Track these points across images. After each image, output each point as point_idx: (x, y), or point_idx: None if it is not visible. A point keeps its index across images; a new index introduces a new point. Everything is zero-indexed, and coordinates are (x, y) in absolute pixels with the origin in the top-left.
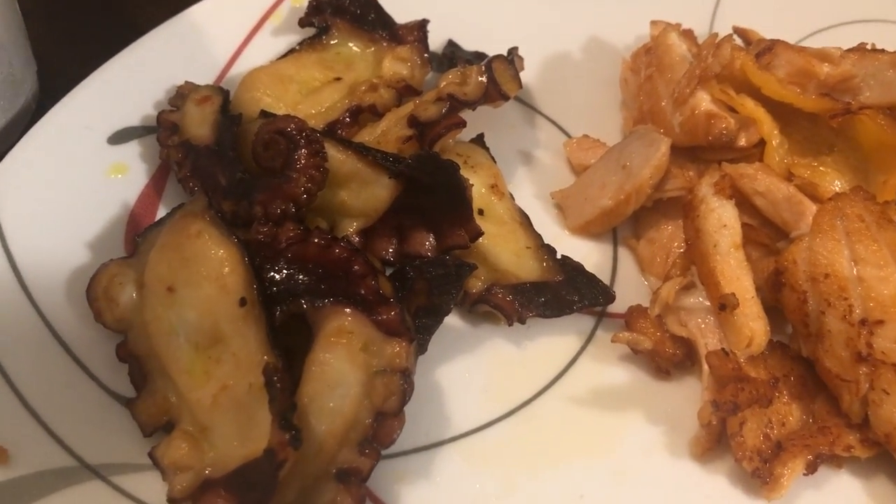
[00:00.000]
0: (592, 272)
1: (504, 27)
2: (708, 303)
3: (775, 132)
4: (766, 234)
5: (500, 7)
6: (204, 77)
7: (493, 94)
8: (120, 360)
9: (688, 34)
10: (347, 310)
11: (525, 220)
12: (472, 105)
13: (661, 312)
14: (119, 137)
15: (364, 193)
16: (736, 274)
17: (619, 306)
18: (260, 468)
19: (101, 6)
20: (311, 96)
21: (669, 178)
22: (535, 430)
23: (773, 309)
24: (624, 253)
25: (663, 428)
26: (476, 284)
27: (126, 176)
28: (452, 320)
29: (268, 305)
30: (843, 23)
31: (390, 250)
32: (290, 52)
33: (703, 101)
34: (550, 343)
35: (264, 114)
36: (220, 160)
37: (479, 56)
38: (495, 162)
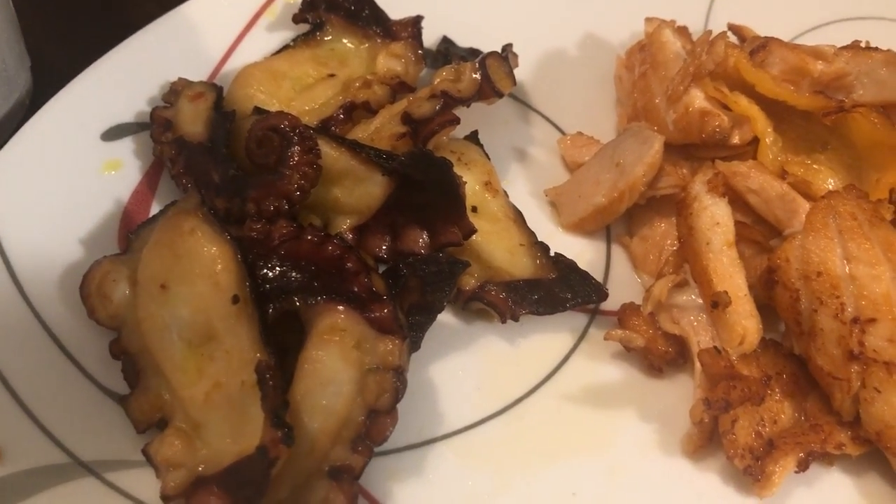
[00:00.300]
0: (586, 269)
1: (498, 24)
2: (700, 300)
3: (769, 130)
4: (759, 231)
5: (494, 3)
6: (198, 73)
7: (487, 90)
8: (113, 357)
9: (682, 31)
10: (340, 307)
11: (519, 218)
12: (465, 102)
13: (653, 310)
14: (112, 134)
15: (357, 190)
16: (729, 272)
17: (612, 304)
18: (252, 465)
19: (95, 2)
20: (304, 93)
21: (663, 176)
22: (528, 427)
23: (766, 307)
24: (617, 250)
25: (656, 425)
26: (469, 282)
27: (119, 172)
28: (445, 317)
29: (261, 303)
30: (837, 20)
31: (384, 247)
32: (284, 48)
33: (697, 99)
34: (543, 340)
35: (258, 110)
36: (214, 157)
37: (473, 53)
38: (489, 159)
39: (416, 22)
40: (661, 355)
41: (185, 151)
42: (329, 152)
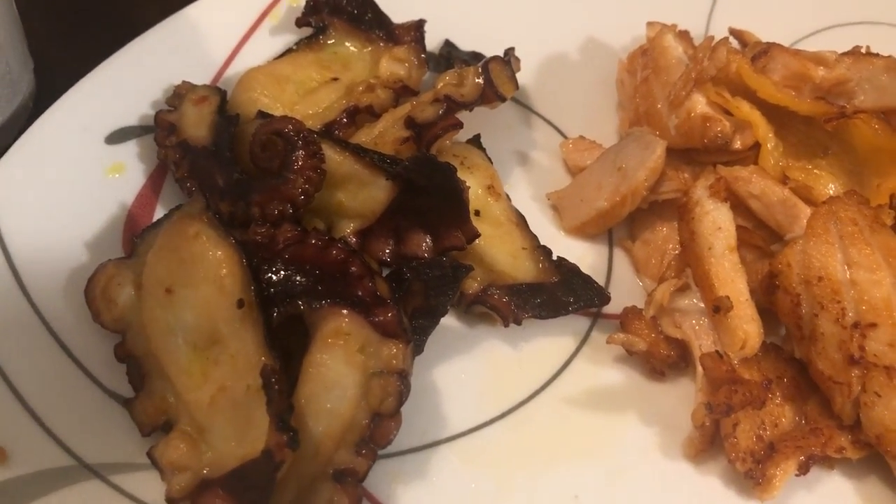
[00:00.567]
0: (588, 273)
1: (500, 28)
2: (702, 304)
3: (770, 135)
4: (760, 236)
5: (496, 7)
6: (201, 77)
7: (490, 95)
8: (118, 361)
9: (684, 35)
10: (344, 311)
11: (521, 222)
12: (468, 106)
13: (655, 314)
14: (116, 137)
15: (361, 195)
16: (730, 276)
17: (614, 307)
18: (258, 469)
19: (99, 5)
20: (308, 97)
21: (665, 181)
22: (531, 430)
23: (767, 311)
24: (619, 254)
25: (657, 429)
26: (472, 285)
27: (123, 176)
28: (449, 321)
29: (265, 307)
30: (839, 25)
31: (387, 251)
32: (287, 51)
33: (699, 104)
34: (546, 344)
35: (261, 114)
36: (218, 161)
37: (475, 56)
38: (492, 163)
39: (418, 26)
40: (663, 359)
41: (189, 155)
42: (333, 156)
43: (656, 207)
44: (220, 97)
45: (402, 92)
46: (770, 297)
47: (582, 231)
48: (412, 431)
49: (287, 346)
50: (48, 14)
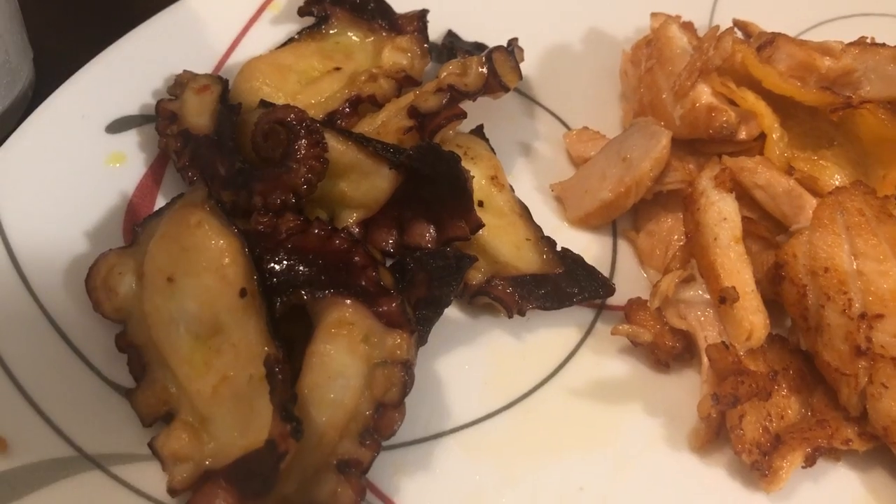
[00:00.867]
0: (592, 264)
1: (503, 18)
2: (707, 296)
3: (776, 125)
4: (765, 227)
5: None
6: (202, 66)
7: (494, 85)
8: (119, 351)
9: (688, 26)
10: (348, 301)
11: (525, 212)
12: (472, 96)
13: (660, 305)
14: (117, 126)
15: (364, 184)
16: (736, 267)
17: (618, 299)
18: (261, 459)
19: None
20: (310, 86)
21: (669, 171)
22: (535, 422)
23: (772, 302)
24: (623, 245)
25: (662, 420)
26: (476, 276)
27: (124, 165)
28: (452, 312)
29: (268, 296)
30: (843, 16)
31: (390, 241)
32: (289, 41)
33: (704, 94)
34: (550, 335)
35: (264, 103)
36: (220, 150)
37: (478, 47)
38: (495, 153)
39: (421, 16)
40: (668, 350)
41: (191, 144)
42: (336, 146)
43: (661, 198)
44: (222, 86)
45: (405, 82)
46: (776, 287)
47: (586, 222)
48: (416, 422)
49: (290, 335)
50: (48, 3)
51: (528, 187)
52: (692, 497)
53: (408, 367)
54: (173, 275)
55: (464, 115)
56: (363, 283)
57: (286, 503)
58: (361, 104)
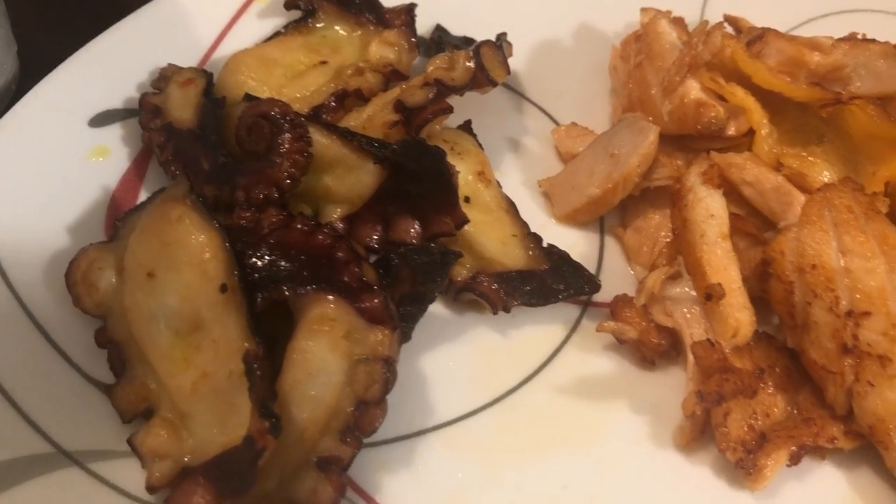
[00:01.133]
0: (578, 261)
1: (492, 12)
2: (694, 293)
3: (765, 121)
4: (753, 223)
5: None
6: (187, 59)
7: (481, 79)
8: (99, 346)
9: (678, 22)
10: (330, 297)
11: (511, 208)
12: (459, 91)
13: (646, 302)
14: (100, 120)
15: (349, 179)
16: (723, 264)
17: (604, 295)
18: (239, 456)
19: None
20: (296, 80)
21: (657, 167)
22: (519, 419)
23: (759, 299)
24: (610, 242)
25: (648, 418)
26: (461, 272)
27: (107, 159)
28: (437, 308)
29: (249, 292)
30: (834, 12)
31: (375, 237)
32: (276, 34)
33: (693, 90)
34: (535, 332)
35: (248, 97)
36: (203, 144)
37: (467, 41)
38: (482, 149)
39: (409, 10)
40: (654, 347)
41: (175, 138)
42: (320, 140)
43: (648, 194)
44: (206, 80)
45: (392, 76)
46: (763, 285)
47: (573, 218)
48: (398, 419)
49: (271, 331)
50: None
51: (515, 183)
52: (677, 495)
53: (390, 363)
54: (154, 270)
55: (450, 109)
56: (346, 278)
57: (266, 500)
58: (348, 98)
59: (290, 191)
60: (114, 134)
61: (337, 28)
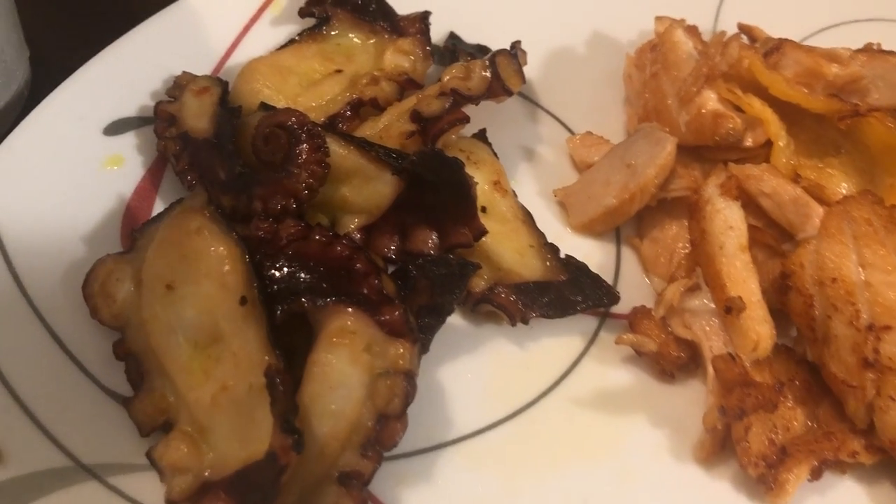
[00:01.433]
0: (595, 272)
1: (506, 21)
2: (713, 305)
3: (782, 133)
4: (771, 235)
5: (502, 0)
6: (201, 67)
7: (497, 88)
8: (117, 358)
9: (692, 30)
10: (350, 309)
11: (528, 218)
12: (475, 100)
13: (665, 314)
14: (115, 128)
15: (366, 190)
16: (742, 276)
17: (622, 307)
18: (261, 471)
19: None
20: (311, 88)
21: (674, 178)
22: (538, 432)
23: (777, 311)
24: (627, 252)
25: (667, 431)
26: (479, 284)
27: (122, 168)
28: (454, 320)
29: (268, 304)
30: (849, 21)
31: (392, 248)
32: (290, 42)
33: (710, 100)
34: (553, 344)
35: (264, 106)
36: (219, 153)
37: (481, 49)
38: (497, 158)
39: (423, 18)
40: (673, 360)
41: (190, 147)
42: (337, 150)
43: (665, 205)
44: (221, 88)
45: (407, 85)
46: (782, 297)
47: (589, 228)
48: (417, 432)
49: (291, 344)
50: (45, 1)
51: (530, 193)
52: None
53: (410, 377)
54: (172, 282)
55: (467, 119)
56: (365, 290)
57: None
58: (363, 107)
59: (308, 201)
60: (128, 142)
61: (351, 36)
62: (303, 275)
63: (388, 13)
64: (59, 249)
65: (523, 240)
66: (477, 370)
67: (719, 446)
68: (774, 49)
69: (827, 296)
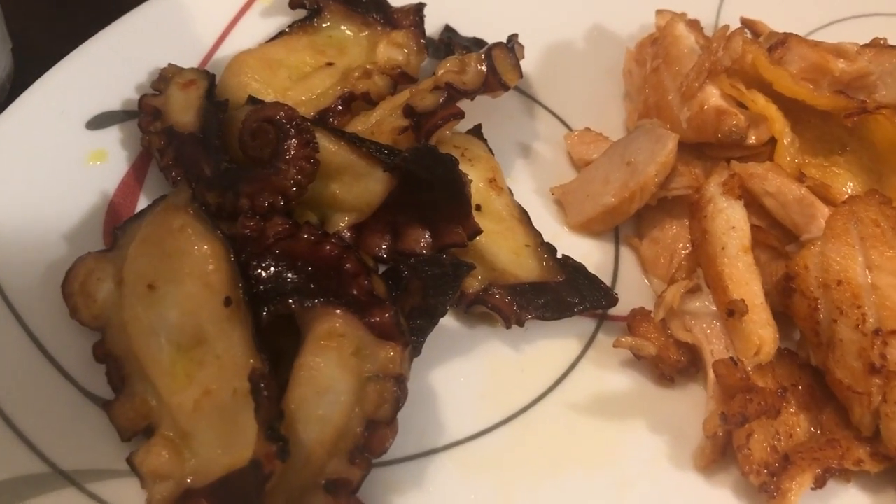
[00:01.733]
0: (593, 273)
1: (502, 13)
2: (714, 307)
3: (786, 130)
4: (774, 236)
5: None
6: (188, 60)
7: (493, 83)
8: (97, 360)
9: (694, 25)
10: (338, 311)
11: (524, 217)
12: (470, 94)
13: (665, 317)
14: (98, 122)
15: (357, 187)
16: (745, 278)
17: (620, 309)
18: (245, 479)
19: None
20: (301, 82)
21: (675, 176)
22: (534, 438)
23: (780, 314)
24: (626, 253)
25: (666, 437)
26: (473, 284)
27: (105, 163)
28: (447, 322)
29: (254, 305)
30: (854, 16)
31: (383, 247)
32: (280, 34)
33: (713, 96)
34: (550, 347)
35: (252, 100)
36: (205, 148)
37: (477, 43)
38: (493, 155)
39: (418, 10)
40: (673, 364)
41: (175, 142)
42: (327, 146)
43: (665, 204)
44: (208, 81)
45: (400, 79)
46: (785, 300)
47: (587, 228)
48: (408, 438)
49: (277, 346)
50: None
51: (527, 190)
52: None
53: (401, 381)
54: (154, 281)
55: (462, 114)
56: (355, 291)
57: None
58: (355, 102)
59: (297, 199)
60: (112, 137)
61: (343, 28)
62: (290, 275)
63: (382, 5)
64: (39, 247)
65: (519, 239)
66: (470, 374)
67: (720, 453)
68: (779, 44)
69: (832, 299)
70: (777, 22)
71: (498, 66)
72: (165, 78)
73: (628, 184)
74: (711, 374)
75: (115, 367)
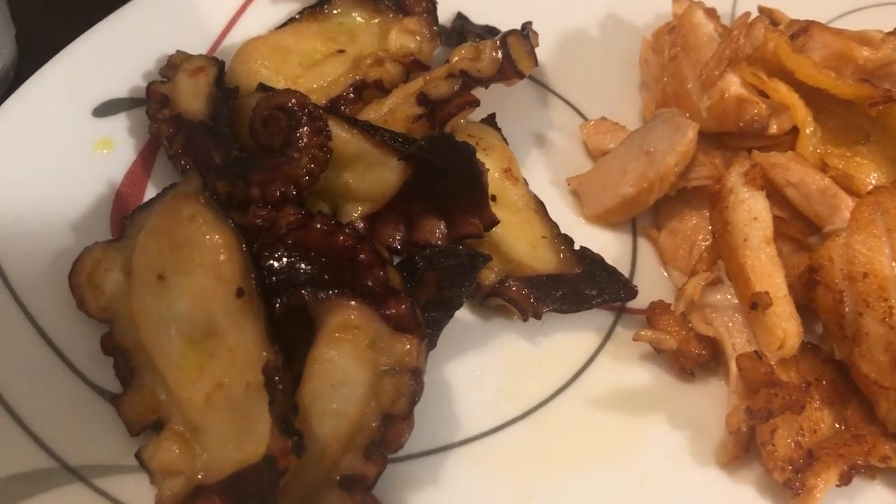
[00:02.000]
0: (611, 265)
1: (516, 1)
2: (736, 300)
3: (809, 119)
4: (797, 227)
5: None
6: (197, 46)
7: (509, 71)
8: (105, 353)
9: (711, 13)
10: (353, 303)
11: (540, 208)
12: (485, 83)
13: (685, 309)
14: (105, 110)
15: (370, 176)
16: (767, 270)
17: (639, 302)
18: (259, 475)
19: None
20: (312, 69)
21: (695, 166)
22: (551, 433)
23: (803, 307)
24: (644, 244)
25: (687, 433)
26: (489, 276)
27: (112, 152)
28: (463, 314)
29: (267, 296)
30: (874, 5)
31: (398, 238)
32: (290, 21)
33: (733, 85)
34: (567, 340)
35: (263, 87)
36: (215, 136)
37: (489, 30)
38: (508, 144)
39: None
40: (694, 358)
41: (184, 130)
42: (340, 134)
43: (684, 195)
44: (217, 68)
45: (413, 66)
46: (809, 293)
47: (604, 219)
48: (423, 433)
49: (290, 338)
50: None
51: (542, 181)
52: None
53: (417, 375)
54: (164, 272)
55: (477, 102)
56: (369, 283)
57: None
58: (367, 90)
59: (309, 188)
60: (119, 125)
61: (354, 15)
62: (303, 265)
63: None
64: (45, 237)
65: (535, 230)
66: (487, 367)
67: (743, 449)
68: (801, 31)
69: (858, 291)
70: (794, 11)
71: (513, 54)
72: (174, 65)
73: (647, 174)
74: (734, 368)
75: (124, 360)
